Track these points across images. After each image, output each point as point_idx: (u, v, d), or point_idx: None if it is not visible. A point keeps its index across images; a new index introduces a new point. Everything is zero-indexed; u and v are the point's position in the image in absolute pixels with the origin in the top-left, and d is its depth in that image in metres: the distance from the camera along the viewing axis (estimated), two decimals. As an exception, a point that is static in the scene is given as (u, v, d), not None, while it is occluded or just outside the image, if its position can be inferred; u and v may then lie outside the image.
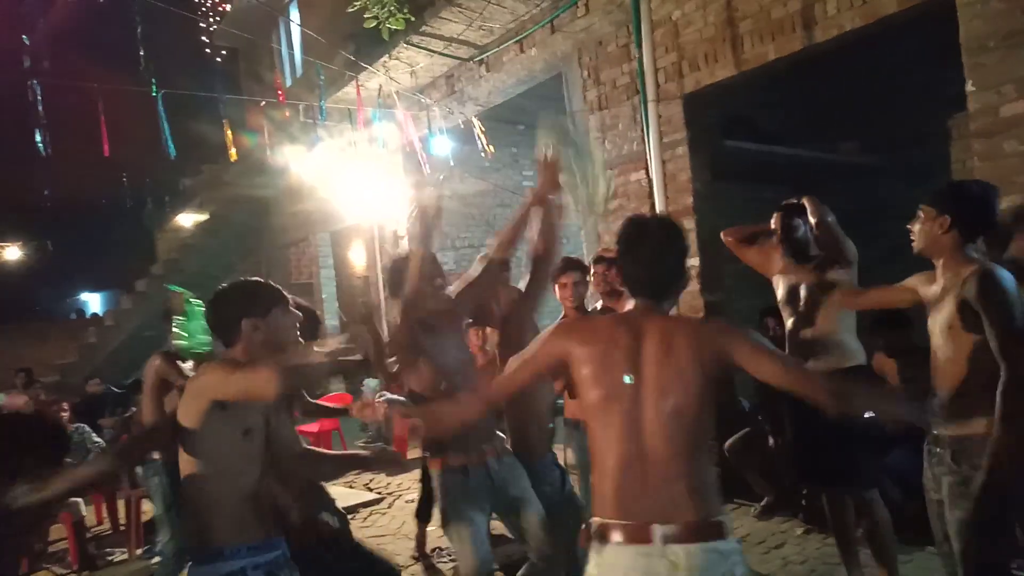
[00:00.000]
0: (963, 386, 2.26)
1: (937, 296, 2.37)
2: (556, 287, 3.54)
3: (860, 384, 2.57)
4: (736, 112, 6.08)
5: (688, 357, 1.75)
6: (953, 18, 3.56)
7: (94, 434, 6.44)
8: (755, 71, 4.59)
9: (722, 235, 3.85)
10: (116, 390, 8.71)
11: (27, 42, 4.44)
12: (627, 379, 1.76)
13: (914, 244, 2.41)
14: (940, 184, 2.49)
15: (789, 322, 3.48)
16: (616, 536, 1.71)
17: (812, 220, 3.36)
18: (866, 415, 2.85)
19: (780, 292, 3.54)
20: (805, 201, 3.43)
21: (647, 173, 5.27)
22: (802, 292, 3.40)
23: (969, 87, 3.53)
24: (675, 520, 1.68)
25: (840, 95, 6.57)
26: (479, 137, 6.65)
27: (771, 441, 4.52)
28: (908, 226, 2.44)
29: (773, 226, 3.53)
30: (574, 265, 3.62)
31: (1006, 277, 2.20)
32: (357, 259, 10.92)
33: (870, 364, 3.47)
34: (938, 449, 2.35)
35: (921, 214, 2.37)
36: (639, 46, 5.16)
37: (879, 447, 3.67)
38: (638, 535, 1.69)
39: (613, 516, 1.74)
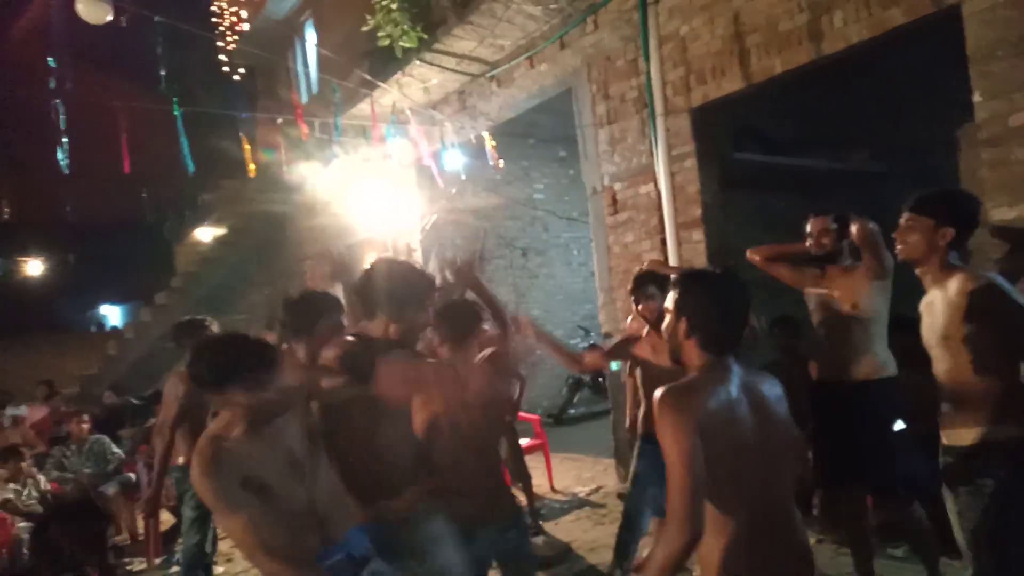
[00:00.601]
0: (966, 395, 2.27)
1: (929, 305, 2.38)
2: (638, 302, 3.42)
3: None
4: (744, 123, 6.11)
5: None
6: (960, 27, 3.59)
7: (113, 445, 6.56)
8: (763, 84, 4.63)
9: (748, 254, 3.71)
10: (135, 402, 8.84)
11: (53, 64, 4.56)
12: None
13: (902, 252, 2.42)
14: (923, 191, 2.44)
15: (820, 334, 3.44)
16: None
17: (857, 238, 3.13)
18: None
19: (811, 304, 3.48)
20: (852, 227, 3.16)
21: (656, 185, 5.31)
22: (833, 304, 3.34)
23: (976, 97, 3.54)
24: None
25: (849, 104, 6.57)
26: (490, 151, 6.73)
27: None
28: (894, 235, 2.44)
29: (808, 230, 3.46)
30: (655, 279, 3.43)
31: (1007, 286, 2.22)
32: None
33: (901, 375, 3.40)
34: (948, 459, 2.34)
35: (911, 223, 2.37)
36: (647, 61, 5.22)
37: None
38: None
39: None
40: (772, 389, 1.81)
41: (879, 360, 3.25)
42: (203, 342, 2.15)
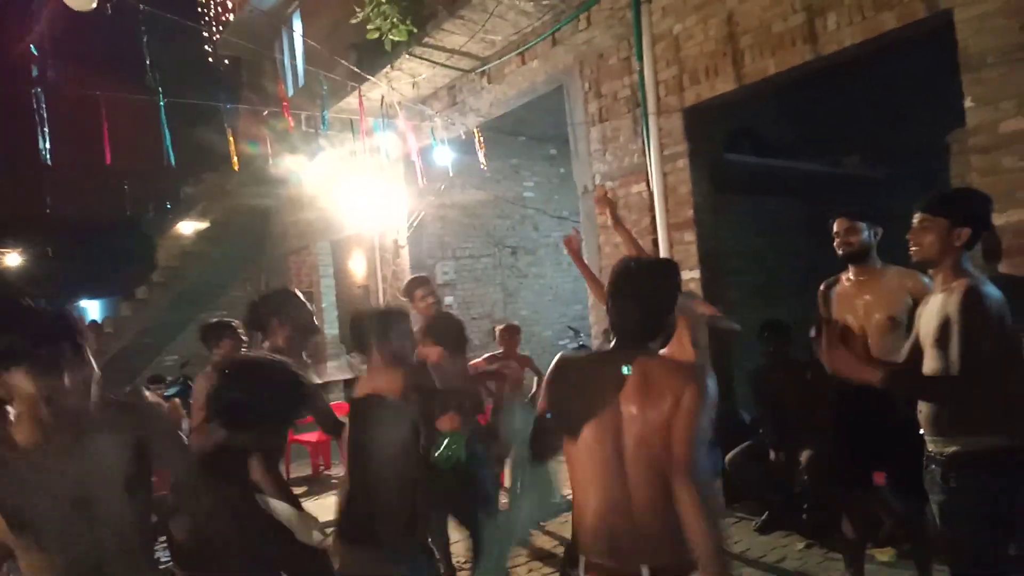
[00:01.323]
0: (963, 400, 2.24)
1: (927, 306, 2.36)
2: None
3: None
4: (738, 125, 6.10)
5: (664, 400, 1.79)
6: (953, 33, 3.58)
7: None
8: (756, 85, 4.61)
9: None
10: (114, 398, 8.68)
11: (35, 52, 4.43)
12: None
13: (916, 254, 2.38)
14: (937, 192, 2.44)
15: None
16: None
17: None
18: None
19: (835, 308, 3.37)
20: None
21: (648, 185, 5.28)
22: (859, 307, 3.26)
23: (968, 103, 3.54)
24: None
25: (844, 108, 6.59)
26: (479, 148, 6.67)
27: (772, 455, 4.51)
28: (908, 236, 2.42)
29: (835, 229, 3.37)
30: None
31: (991, 295, 2.17)
32: (357, 268, 10.93)
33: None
34: (932, 467, 2.33)
35: (925, 223, 2.33)
36: (640, 59, 5.18)
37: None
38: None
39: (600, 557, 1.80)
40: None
41: None
42: None
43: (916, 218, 2.37)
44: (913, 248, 2.39)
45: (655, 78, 5.15)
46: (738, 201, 5.93)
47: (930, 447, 2.34)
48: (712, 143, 5.30)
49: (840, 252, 3.36)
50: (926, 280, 3.03)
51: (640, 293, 1.92)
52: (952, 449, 2.24)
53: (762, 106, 5.73)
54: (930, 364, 2.29)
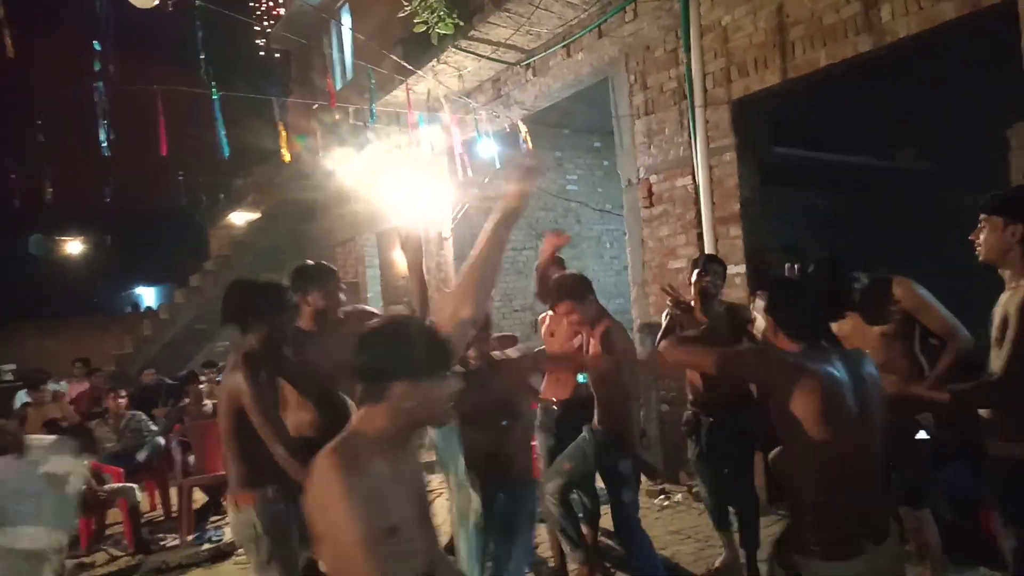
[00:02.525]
0: (1011, 404, 2.20)
1: (997, 306, 2.32)
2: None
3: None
4: (787, 117, 5.99)
5: None
6: (1015, 22, 3.46)
7: (150, 422, 6.70)
8: (806, 77, 4.52)
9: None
10: (170, 381, 9.00)
11: (98, 48, 4.60)
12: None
13: (981, 254, 2.36)
14: (996, 191, 2.41)
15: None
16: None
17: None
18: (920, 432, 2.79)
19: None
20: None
21: (693, 179, 5.23)
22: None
23: (1031, 95, 3.44)
24: None
25: (897, 100, 6.40)
26: (523, 141, 6.69)
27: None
28: (971, 236, 2.38)
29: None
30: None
31: None
32: (402, 260, 11.08)
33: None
34: (994, 472, 2.29)
35: (983, 223, 2.31)
36: (687, 51, 5.13)
37: (932, 463, 3.57)
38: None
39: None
40: None
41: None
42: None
43: (980, 219, 2.36)
44: (977, 250, 2.37)
45: (703, 70, 5.09)
46: (786, 195, 5.83)
47: (992, 450, 2.30)
48: (760, 136, 5.21)
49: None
50: (916, 287, 2.96)
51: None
52: (1012, 452, 2.20)
53: (809, 98, 5.60)
54: (994, 363, 2.26)
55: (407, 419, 1.53)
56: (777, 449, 4.78)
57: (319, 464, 1.43)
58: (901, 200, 6.71)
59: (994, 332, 2.26)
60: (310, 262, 3.29)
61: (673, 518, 4.92)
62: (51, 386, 7.24)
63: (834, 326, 3.16)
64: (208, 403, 6.80)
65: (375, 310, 3.63)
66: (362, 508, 1.36)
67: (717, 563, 3.92)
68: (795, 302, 2.08)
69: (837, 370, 1.91)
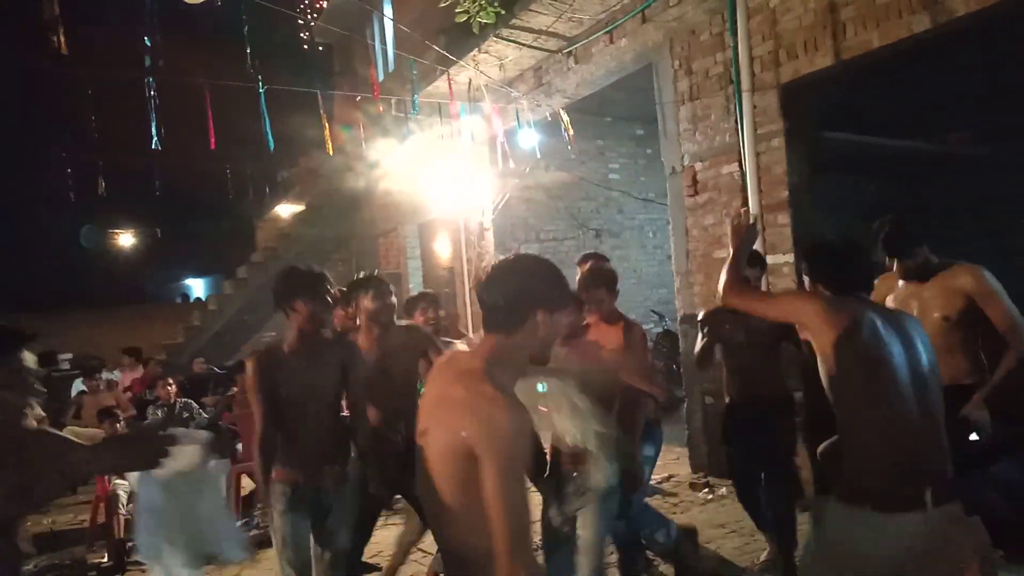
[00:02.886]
0: None
1: None
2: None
3: None
4: (837, 101, 5.80)
5: None
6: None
7: (201, 410, 6.88)
8: (858, 59, 4.37)
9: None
10: (218, 371, 9.22)
11: (148, 43, 4.70)
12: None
13: None
14: None
15: None
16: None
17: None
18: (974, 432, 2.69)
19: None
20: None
21: (740, 166, 5.12)
22: (914, 308, 3.03)
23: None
24: None
25: (950, 82, 6.16)
26: (565, 130, 6.63)
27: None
28: None
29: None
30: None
31: None
32: (443, 250, 11.14)
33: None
34: None
35: None
36: (734, 34, 5.01)
37: (984, 458, 3.44)
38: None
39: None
40: None
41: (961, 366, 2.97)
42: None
43: None
44: None
45: (750, 54, 4.97)
46: (835, 182, 5.67)
47: None
48: (809, 121, 5.06)
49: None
50: (986, 275, 2.85)
51: None
52: None
53: (859, 82, 5.42)
54: None
55: (539, 346, 1.65)
56: (827, 442, 4.68)
57: (470, 383, 1.50)
58: (955, 185, 6.47)
59: None
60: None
61: (717, 511, 4.85)
62: (104, 375, 7.47)
63: (889, 300, 3.10)
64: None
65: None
66: (523, 442, 1.46)
67: (763, 556, 3.88)
68: (832, 260, 2.21)
69: (877, 316, 2.03)
